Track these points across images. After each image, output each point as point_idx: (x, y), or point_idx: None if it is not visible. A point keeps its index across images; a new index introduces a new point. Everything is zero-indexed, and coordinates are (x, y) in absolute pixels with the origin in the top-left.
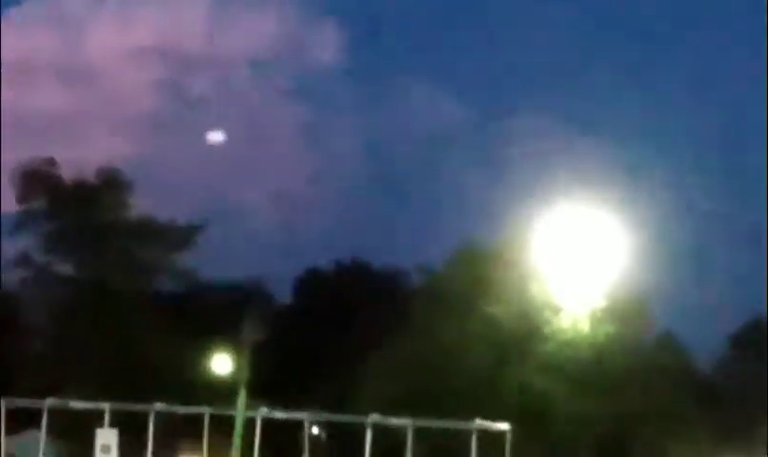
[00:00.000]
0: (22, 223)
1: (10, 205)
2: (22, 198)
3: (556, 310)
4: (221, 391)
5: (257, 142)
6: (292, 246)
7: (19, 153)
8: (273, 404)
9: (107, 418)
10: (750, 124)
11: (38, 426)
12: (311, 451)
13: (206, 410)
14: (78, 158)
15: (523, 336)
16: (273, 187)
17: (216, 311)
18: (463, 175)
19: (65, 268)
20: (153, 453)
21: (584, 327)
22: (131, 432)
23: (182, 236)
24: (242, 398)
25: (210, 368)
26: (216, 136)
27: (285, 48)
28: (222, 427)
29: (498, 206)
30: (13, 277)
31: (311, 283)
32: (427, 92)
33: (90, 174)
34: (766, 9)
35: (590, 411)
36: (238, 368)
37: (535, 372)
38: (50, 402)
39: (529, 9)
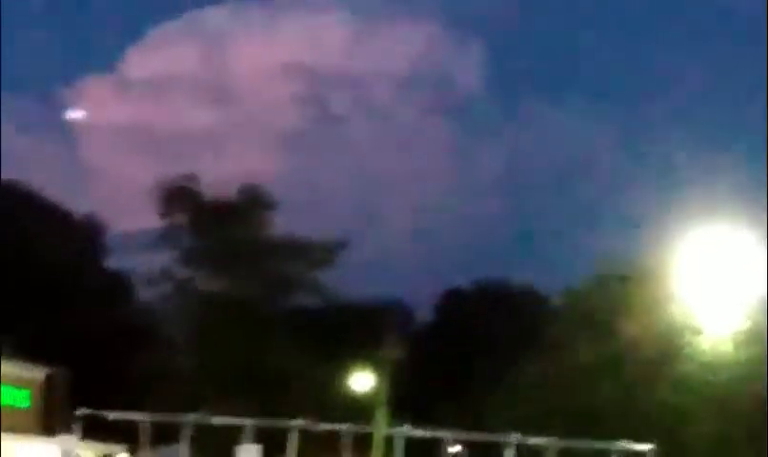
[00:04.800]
0: (163, 238)
1: (152, 220)
2: (164, 214)
3: (697, 332)
4: (361, 409)
5: (399, 160)
6: (432, 264)
7: (162, 169)
8: (413, 422)
9: (248, 434)
10: None
11: (178, 441)
12: None
13: (346, 428)
14: (221, 175)
15: (663, 357)
16: (415, 205)
17: (356, 329)
18: (603, 194)
19: (205, 284)
20: None
21: (726, 348)
22: (269, 449)
23: (323, 253)
24: (382, 415)
25: (349, 386)
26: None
27: (427, 65)
28: (362, 444)
29: (639, 225)
30: (154, 292)
31: (451, 301)
32: (567, 111)
33: (232, 191)
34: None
35: (731, 434)
36: (378, 386)
37: (675, 394)
38: (191, 417)
39: (672, 32)
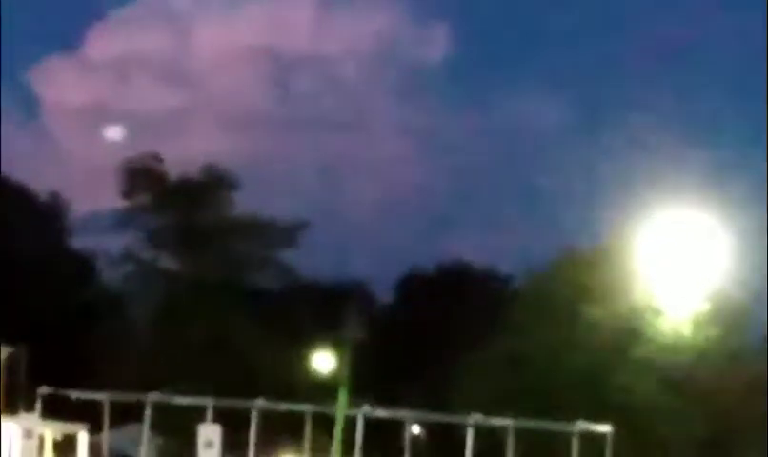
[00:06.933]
0: (126, 219)
1: (116, 201)
2: (127, 194)
3: (658, 313)
4: (322, 389)
5: (361, 141)
6: (395, 246)
7: (125, 150)
8: (374, 402)
9: (209, 414)
10: None
11: (140, 420)
12: (411, 451)
13: (308, 408)
14: (184, 155)
15: (624, 339)
16: (378, 186)
17: (318, 310)
18: (565, 176)
19: (168, 264)
20: (255, 450)
21: (685, 330)
22: (231, 429)
23: (285, 234)
24: (343, 396)
25: (310, 367)
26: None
27: (391, 47)
28: (322, 425)
29: (601, 208)
30: (117, 272)
31: (412, 283)
32: (533, 92)
33: (195, 171)
34: (766, 9)
35: (689, 415)
36: (339, 367)
37: (635, 375)
38: (153, 397)
39: (639, 13)
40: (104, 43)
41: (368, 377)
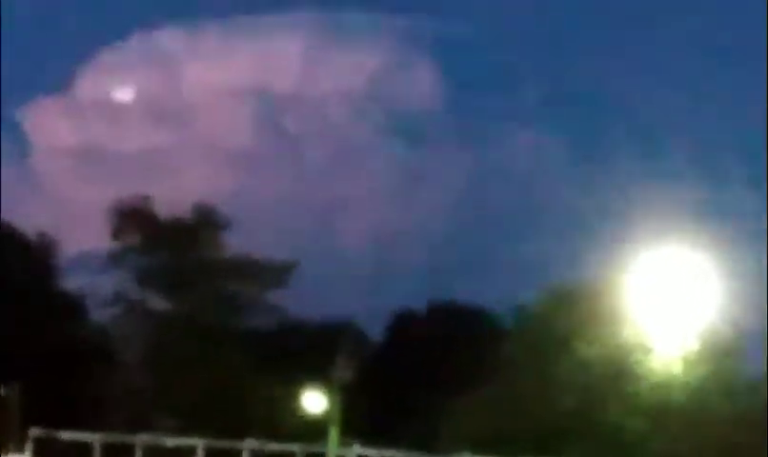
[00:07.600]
0: (116, 259)
1: (105, 241)
2: (116, 234)
3: (648, 351)
4: (312, 429)
5: (352, 180)
6: (385, 284)
7: (114, 190)
8: (364, 442)
9: (200, 454)
10: None
11: None
12: None
13: (298, 448)
14: (173, 195)
15: (615, 377)
16: (368, 225)
17: (308, 349)
18: (556, 215)
19: (158, 305)
20: None
21: (677, 368)
22: None
23: (275, 274)
24: (333, 436)
25: (300, 406)
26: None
27: (382, 85)
28: None
29: (591, 245)
30: (107, 313)
31: (403, 322)
32: (525, 131)
33: (185, 211)
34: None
35: (681, 453)
36: (330, 407)
37: (627, 414)
38: (143, 438)
39: (635, 48)
40: (94, 84)
41: (359, 417)
